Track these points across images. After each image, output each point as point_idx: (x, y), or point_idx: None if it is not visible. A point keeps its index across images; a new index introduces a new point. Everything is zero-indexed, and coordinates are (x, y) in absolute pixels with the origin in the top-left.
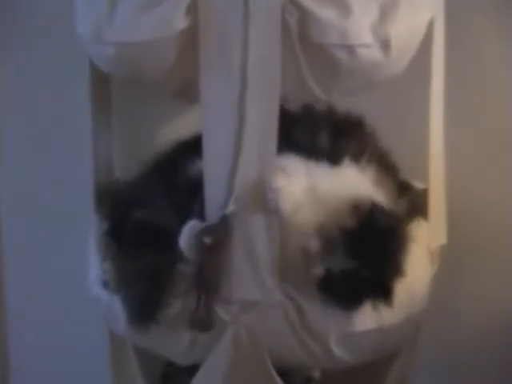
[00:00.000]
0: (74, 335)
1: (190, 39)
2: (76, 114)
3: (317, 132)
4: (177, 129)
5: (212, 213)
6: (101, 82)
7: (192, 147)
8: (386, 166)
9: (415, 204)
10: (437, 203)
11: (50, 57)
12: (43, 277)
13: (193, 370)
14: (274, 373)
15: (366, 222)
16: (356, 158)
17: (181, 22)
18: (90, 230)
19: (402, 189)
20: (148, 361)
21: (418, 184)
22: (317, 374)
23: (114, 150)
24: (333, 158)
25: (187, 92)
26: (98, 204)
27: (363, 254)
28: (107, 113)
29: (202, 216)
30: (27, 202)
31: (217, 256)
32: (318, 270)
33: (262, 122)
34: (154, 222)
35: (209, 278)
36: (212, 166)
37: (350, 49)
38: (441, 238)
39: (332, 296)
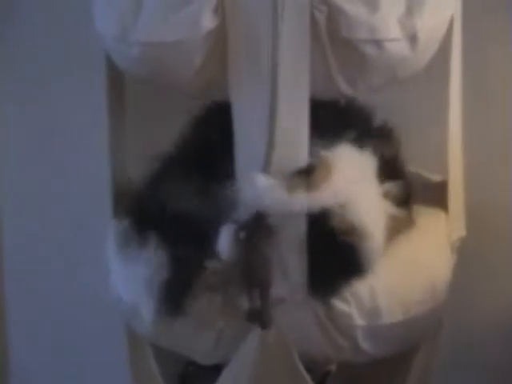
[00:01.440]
0: (93, 336)
1: (218, 39)
2: (92, 116)
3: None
4: None
5: (246, 208)
6: (116, 83)
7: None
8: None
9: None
10: (456, 195)
11: (65, 56)
12: (61, 277)
13: (213, 369)
14: (302, 369)
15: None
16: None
17: (209, 22)
18: (108, 228)
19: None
20: (167, 361)
21: (437, 177)
22: (333, 368)
23: (128, 150)
24: None
25: (209, 92)
26: (118, 201)
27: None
28: (122, 114)
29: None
30: (41, 204)
31: (258, 250)
32: None
33: (293, 120)
34: (190, 216)
35: (257, 274)
36: (245, 165)
37: (379, 43)
38: (460, 230)
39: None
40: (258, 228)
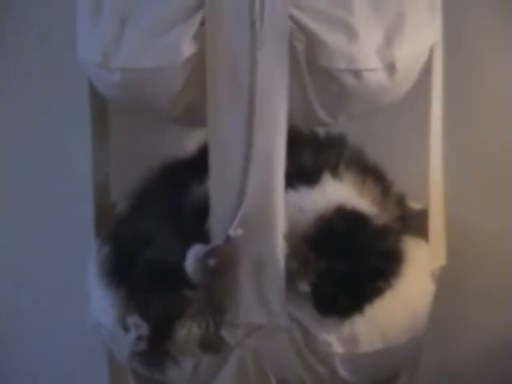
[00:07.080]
0: (74, 361)
1: (198, 65)
2: (75, 139)
3: (299, 154)
4: (175, 152)
5: (217, 235)
6: (100, 107)
7: (192, 168)
8: (370, 174)
9: (408, 220)
10: (436, 224)
11: (49, 79)
12: (42, 302)
13: None
14: None
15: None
16: (333, 170)
17: (189, 49)
18: (89, 253)
19: (395, 202)
20: None
21: (417, 205)
22: None
23: (111, 173)
24: (313, 175)
25: (188, 117)
26: (99, 229)
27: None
28: (105, 137)
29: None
30: (24, 224)
31: (223, 278)
32: (304, 288)
33: (270, 148)
34: (164, 261)
35: (217, 301)
36: (218, 190)
37: (357, 73)
38: (440, 259)
39: (328, 308)
40: (228, 254)
